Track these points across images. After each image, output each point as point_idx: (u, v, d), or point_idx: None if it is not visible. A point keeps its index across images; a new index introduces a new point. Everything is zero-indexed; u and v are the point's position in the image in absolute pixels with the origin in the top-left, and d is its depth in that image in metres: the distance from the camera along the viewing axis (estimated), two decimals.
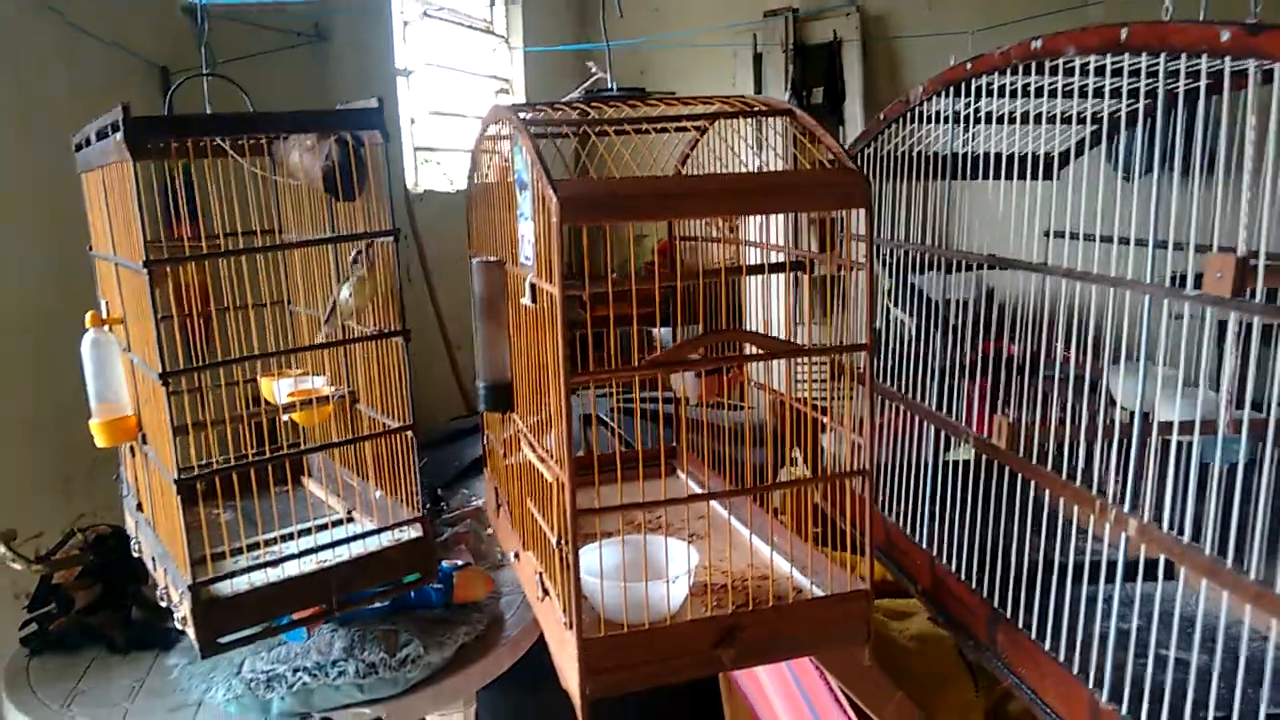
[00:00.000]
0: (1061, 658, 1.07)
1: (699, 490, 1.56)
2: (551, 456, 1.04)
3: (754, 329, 1.18)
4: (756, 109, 1.16)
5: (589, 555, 1.19)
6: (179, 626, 1.42)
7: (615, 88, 1.50)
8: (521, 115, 1.07)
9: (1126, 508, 0.95)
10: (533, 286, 1.01)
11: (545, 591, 1.14)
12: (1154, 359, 0.99)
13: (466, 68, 4.76)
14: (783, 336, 1.26)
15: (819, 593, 1.16)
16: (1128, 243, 1.03)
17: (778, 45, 5.08)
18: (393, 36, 3.99)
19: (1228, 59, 0.85)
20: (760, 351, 1.06)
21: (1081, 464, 1.07)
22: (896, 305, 1.64)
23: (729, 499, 1.44)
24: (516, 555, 1.40)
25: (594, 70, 1.74)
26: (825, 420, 1.19)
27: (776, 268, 1.32)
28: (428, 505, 2.45)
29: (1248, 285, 0.79)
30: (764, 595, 1.15)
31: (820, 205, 1.04)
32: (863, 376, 1.20)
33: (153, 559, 1.58)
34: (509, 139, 1.14)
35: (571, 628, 1.00)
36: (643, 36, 4.81)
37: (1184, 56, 0.89)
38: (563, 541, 1.01)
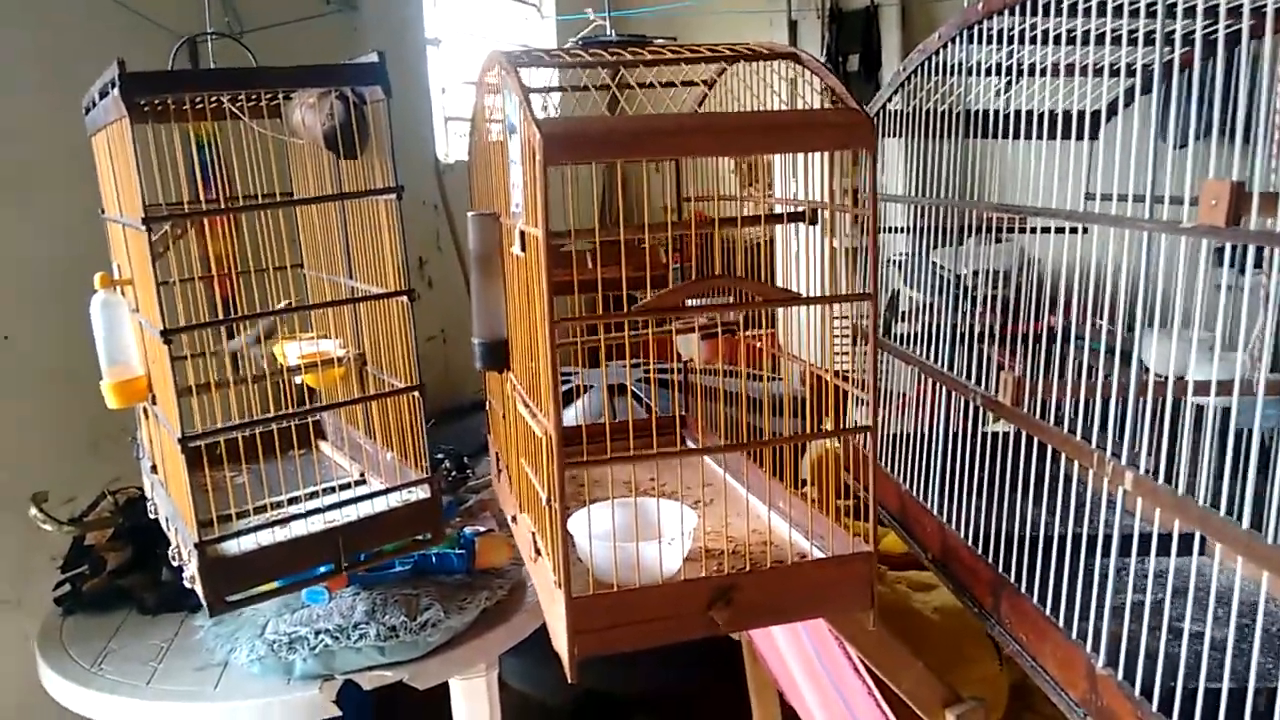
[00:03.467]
0: (1061, 622, 1.03)
1: (705, 461, 1.52)
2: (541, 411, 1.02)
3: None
4: (762, 54, 1.12)
5: (581, 516, 1.17)
6: (188, 585, 1.44)
7: (614, 35, 1.47)
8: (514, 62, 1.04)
9: (1123, 460, 0.90)
10: (523, 234, 0.98)
11: (538, 551, 1.12)
12: (1180, 317, 0.93)
13: (499, 37, 4.74)
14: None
15: (820, 555, 1.12)
16: (1175, 201, 0.96)
17: (813, 11, 4.96)
18: (422, 5, 3.97)
19: None
20: (759, 299, 1.01)
21: (1082, 419, 1.03)
22: (911, 286, 1.58)
23: (731, 463, 1.40)
24: (514, 518, 1.38)
25: (592, 18, 1.71)
26: (844, 386, 1.15)
27: (795, 217, 1.28)
28: (453, 472, 2.46)
29: (1243, 213, 0.74)
30: (765, 559, 1.12)
31: (821, 145, 1.00)
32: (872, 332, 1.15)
33: (166, 519, 1.60)
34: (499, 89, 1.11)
35: (561, 586, 0.98)
36: (674, 3, 4.72)
37: None
38: (552, 498, 0.99)
